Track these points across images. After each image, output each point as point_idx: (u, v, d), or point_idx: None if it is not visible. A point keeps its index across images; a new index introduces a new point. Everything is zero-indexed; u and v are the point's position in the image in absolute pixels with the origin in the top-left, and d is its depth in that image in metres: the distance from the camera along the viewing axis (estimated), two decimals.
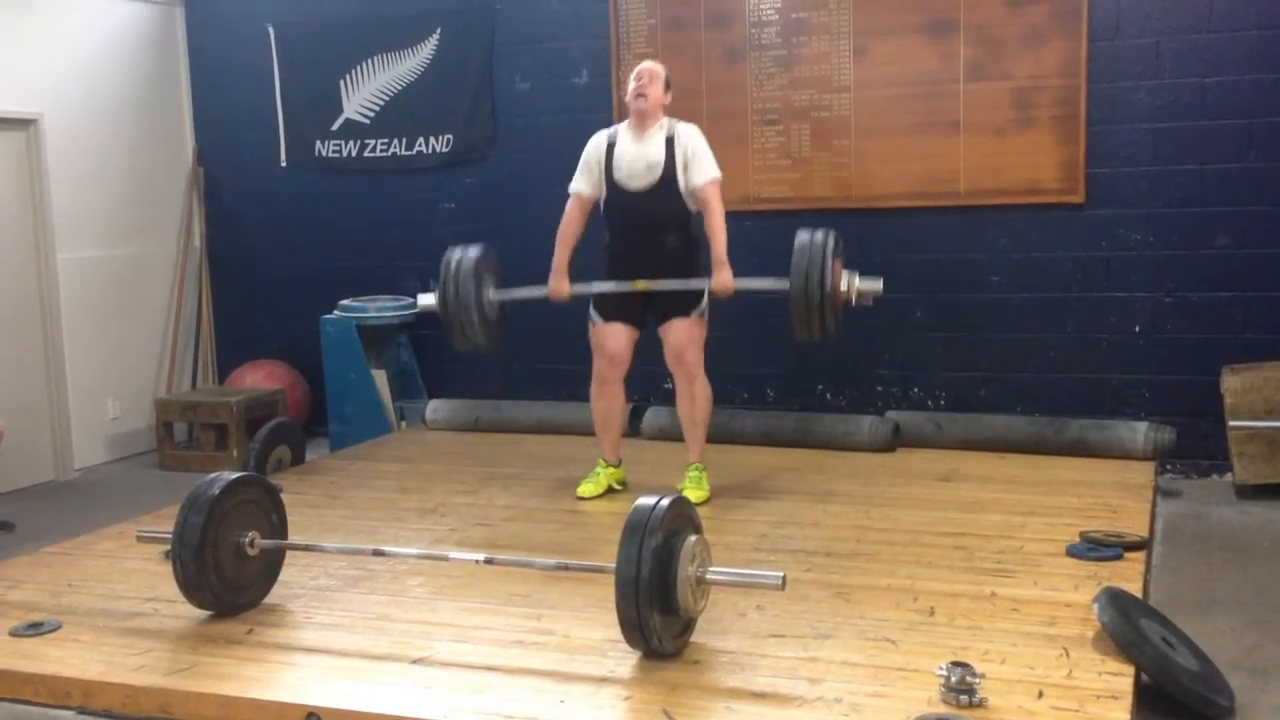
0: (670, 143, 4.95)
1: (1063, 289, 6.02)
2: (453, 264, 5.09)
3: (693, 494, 4.96)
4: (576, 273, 5.16)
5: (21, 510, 5.96)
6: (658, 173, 4.93)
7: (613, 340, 5.12)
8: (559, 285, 5.09)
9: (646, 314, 5.16)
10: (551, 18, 6.82)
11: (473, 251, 5.11)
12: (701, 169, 4.93)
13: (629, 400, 5.45)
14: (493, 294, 5.14)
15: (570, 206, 5.14)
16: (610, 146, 5.04)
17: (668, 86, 5.03)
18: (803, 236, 4.76)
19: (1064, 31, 5.85)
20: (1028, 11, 5.90)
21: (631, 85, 4.99)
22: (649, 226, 4.98)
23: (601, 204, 5.11)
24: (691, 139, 4.96)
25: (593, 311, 5.16)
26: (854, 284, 4.71)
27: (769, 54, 6.37)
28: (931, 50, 6.08)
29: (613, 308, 5.11)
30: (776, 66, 6.36)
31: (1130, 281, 5.90)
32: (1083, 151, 5.87)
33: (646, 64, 5.05)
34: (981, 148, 6.03)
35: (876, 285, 4.75)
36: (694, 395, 5.11)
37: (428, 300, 5.22)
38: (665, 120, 5.02)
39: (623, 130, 5.07)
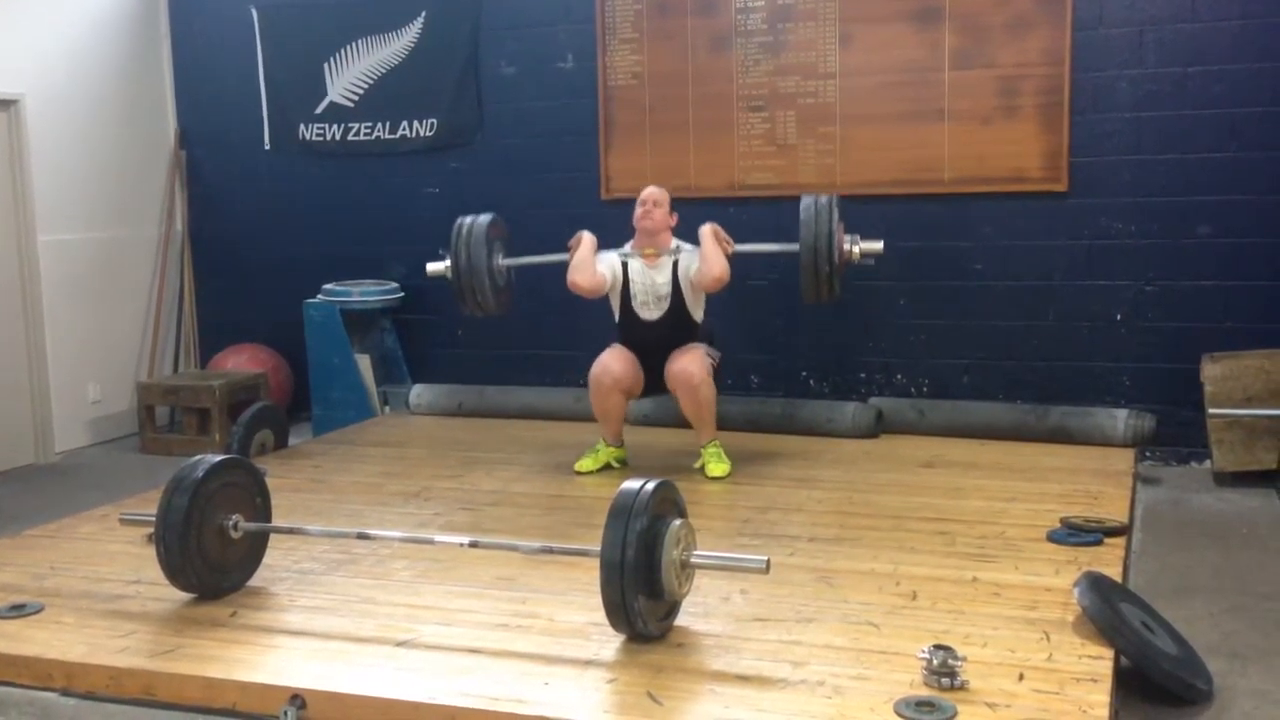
0: (675, 267, 5.20)
1: (1045, 277, 6.05)
2: (464, 230, 5.36)
3: (716, 468, 5.21)
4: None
5: (2, 493, 5.93)
6: (667, 304, 5.23)
7: (621, 360, 5.26)
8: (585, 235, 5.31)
9: (652, 384, 5.31)
10: (537, 2, 6.79)
11: (483, 219, 5.40)
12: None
13: None
14: (502, 260, 5.43)
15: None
16: (624, 268, 5.25)
17: (671, 208, 5.31)
18: (807, 203, 5.10)
19: (1048, 20, 5.87)
20: (1013, 0, 5.91)
21: (637, 210, 5.25)
22: (661, 344, 5.25)
23: (615, 313, 5.35)
24: (695, 253, 5.16)
25: (615, 340, 5.37)
26: (857, 247, 5.11)
27: (755, 40, 6.37)
28: (917, 38, 6.09)
29: (633, 344, 5.30)
30: (762, 53, 6.36)
31: (1112, 270, 5.93)
32: (1066, 140, 5.90)
33: (649, 189, 5.32)
34: (966, 136, 6.05)
35: (877, 246, 5.16)
36: (698, 400, 5.20)
37: (437, 267, 5.46)
38: (674, 243, 5.27)
39: (632, 258, 5.26)
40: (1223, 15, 5.65)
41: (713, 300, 5.49)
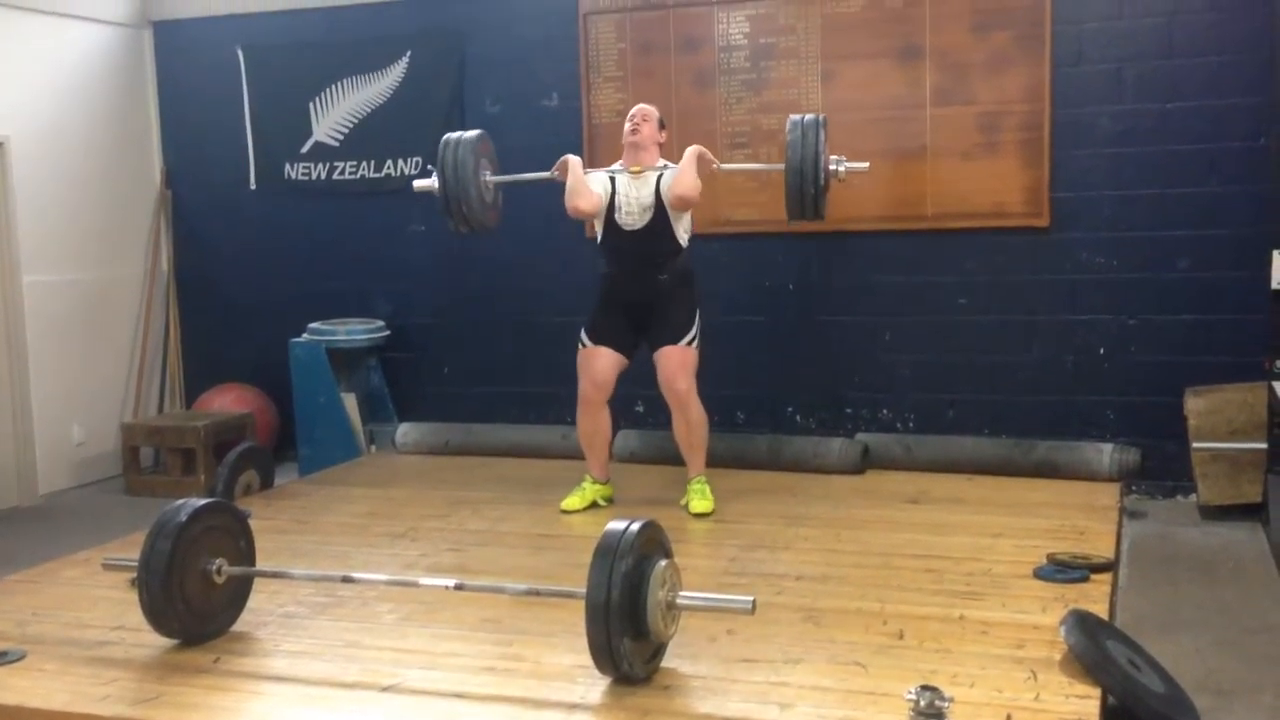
0: (659, 181, 5.16)
1: (1028, 311, 6.08)
2: (451, 144, 5.32)
3: (699, 505, 5.17)
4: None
5: None
6: (650, 215, 5.16)
7: (599, 363, 5.25)
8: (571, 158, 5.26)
9: (638, 342, 5.31)
10: (521, 41, 6.84)
11: (470, 134, 5.37)
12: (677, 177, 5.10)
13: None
14: (489, 176, 5.42)
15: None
16: (612, 182, 5.22)
17: (662, 125, 5.30)
18: (794, 122, 5.09)
19: (1028, 57, 5.93)
20: (992, 38, 5.98)
21: (626, 126, 5.22)
22: (643, 262, 5.21)
23: (599, 236, 5.31)
24: (675, 169, 5.14)
25: (584, 334, 5.32)
26: (842, 166, 5.10)
27: (738, 78, 6.42)
28: (898, 75, 6.15)
29: (603, 332, 5.28)
30: (745, 90, 6.41)
31: (1094, 304, 5.97)
32: (1047, 176, 5.95)
33: (639, 106, 5.30)
34: (948, 172, 6.10)
35: (863, 165, 5.16)
36: (689, 421, 5.22)
37: (425, 183, 5.41)
38: (661, 162, 5.24)
39: (620, 174, 5.24)
40: (1200, 52, 5.72)
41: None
